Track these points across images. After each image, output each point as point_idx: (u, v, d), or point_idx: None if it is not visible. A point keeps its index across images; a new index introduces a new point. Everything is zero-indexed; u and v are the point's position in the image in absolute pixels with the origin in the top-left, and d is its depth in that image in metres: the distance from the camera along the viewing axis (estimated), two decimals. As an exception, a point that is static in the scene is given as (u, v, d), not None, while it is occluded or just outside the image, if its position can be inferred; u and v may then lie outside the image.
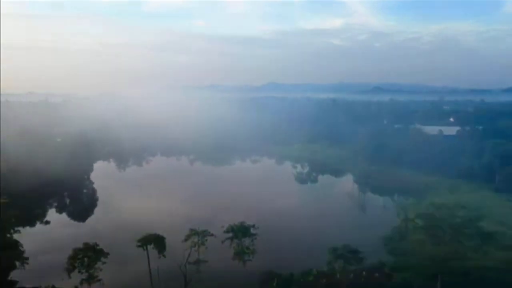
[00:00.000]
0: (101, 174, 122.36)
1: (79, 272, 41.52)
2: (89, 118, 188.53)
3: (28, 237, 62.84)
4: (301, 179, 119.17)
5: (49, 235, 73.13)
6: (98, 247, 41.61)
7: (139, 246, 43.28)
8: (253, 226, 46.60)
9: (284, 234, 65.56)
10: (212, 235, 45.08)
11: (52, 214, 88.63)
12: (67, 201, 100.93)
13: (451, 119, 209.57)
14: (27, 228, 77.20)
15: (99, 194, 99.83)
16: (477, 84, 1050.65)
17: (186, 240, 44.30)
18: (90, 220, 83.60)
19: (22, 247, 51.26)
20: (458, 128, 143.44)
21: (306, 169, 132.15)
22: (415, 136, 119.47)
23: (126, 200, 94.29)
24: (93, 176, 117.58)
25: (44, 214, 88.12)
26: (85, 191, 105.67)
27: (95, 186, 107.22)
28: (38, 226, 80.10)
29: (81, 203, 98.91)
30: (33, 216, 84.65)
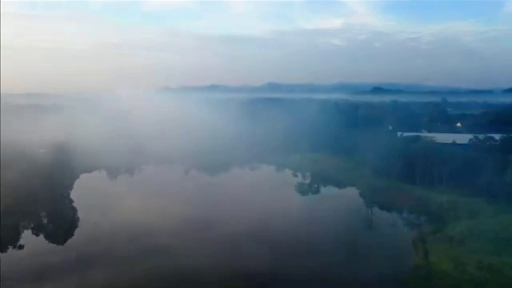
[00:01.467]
0: (87, 187, 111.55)
1: None
2: (81, 122, 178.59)
3: None
4: (302, 191, 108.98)
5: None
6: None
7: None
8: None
9: (280, 262, 56.00)
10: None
11: (27, 237, 79.12)
12: (45, 221, 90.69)
13: (459, 124, 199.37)
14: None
15: (83, 212, 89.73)
16: (477, 84, 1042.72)
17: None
18: (69, 243, 74.01)
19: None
20: (470, 136, 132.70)
21: (308, 180, 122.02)
22: (425, 146, 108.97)
23: (112, 218, 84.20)
24: (78, 191, 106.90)
25: (17, 238, 78.75)
26: (65, 210, 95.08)
27: (80, 202, 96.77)
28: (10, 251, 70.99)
29: (60, 223, 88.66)
30: (5, 239, 75.36)
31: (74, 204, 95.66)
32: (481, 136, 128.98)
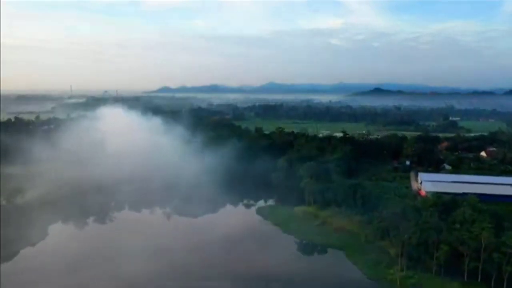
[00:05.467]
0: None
1: None
2: (56, 150, 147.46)
3: None
4: None
5: None
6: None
7: None
8: None
9: None
10: None
11: None
12: None
13: (483, 154, 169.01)
14: None
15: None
16: (478, 85, 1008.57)
17: None
18: None
19: None
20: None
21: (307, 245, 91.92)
22: (469, 217, 79.57)
23: None
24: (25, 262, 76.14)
25: None
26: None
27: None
28: None
29: None
30: None
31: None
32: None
